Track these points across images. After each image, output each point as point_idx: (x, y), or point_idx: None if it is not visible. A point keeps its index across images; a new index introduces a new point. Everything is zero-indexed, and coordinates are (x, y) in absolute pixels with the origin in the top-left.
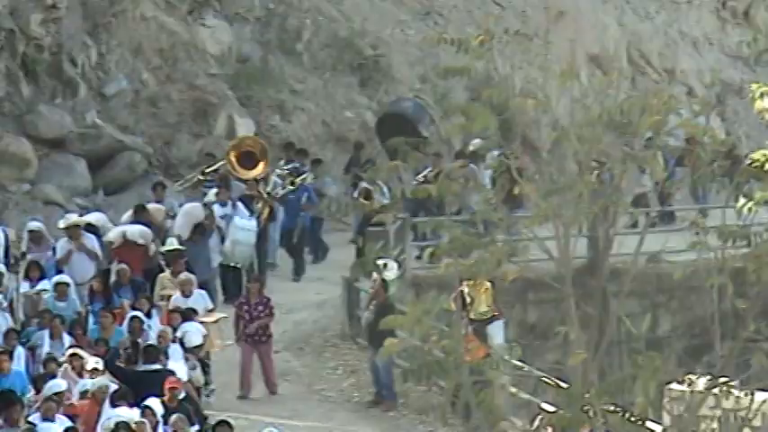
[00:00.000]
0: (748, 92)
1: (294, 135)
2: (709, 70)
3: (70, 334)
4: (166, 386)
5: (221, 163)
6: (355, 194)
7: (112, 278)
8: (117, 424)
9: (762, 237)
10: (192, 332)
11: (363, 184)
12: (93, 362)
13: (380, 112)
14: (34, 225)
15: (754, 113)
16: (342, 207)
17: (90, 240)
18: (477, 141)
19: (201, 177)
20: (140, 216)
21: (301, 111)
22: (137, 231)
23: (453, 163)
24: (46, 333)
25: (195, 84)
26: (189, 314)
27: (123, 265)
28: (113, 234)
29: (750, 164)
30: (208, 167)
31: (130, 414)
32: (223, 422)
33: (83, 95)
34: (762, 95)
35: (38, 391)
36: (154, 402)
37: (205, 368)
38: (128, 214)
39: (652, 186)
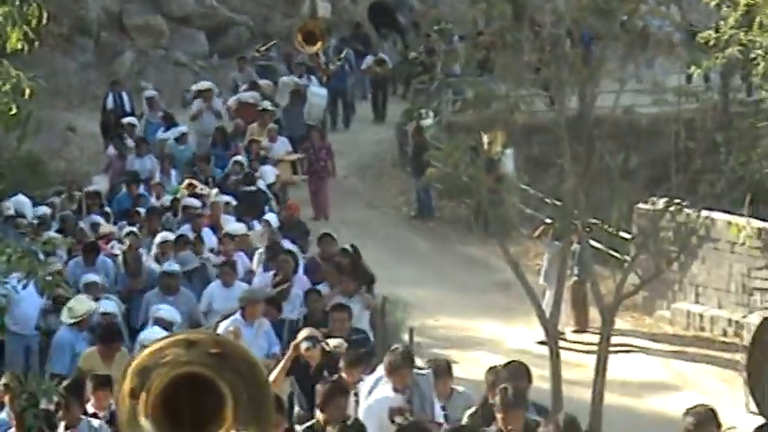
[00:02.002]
0: None
1: (360, 15)
2: None
3: (193, 172)
4: (289, 207)
5: (272, 43)
6: (367, 64)
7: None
8: (225, 234)
9: (706, 95)
10: (268, 171)
11: (380, 55)
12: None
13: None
14: (150, 93)
15: (704, 2)
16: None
17: (216, 103)
18: (444, 25)
19: (257, 54)
20: (253, 88)
21: None
22: (248, 95)
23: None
24: (158, 168)
25: None
26: (264, 158)
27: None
28: (231, 101)
29: (701, 40)
30: (262, 46)
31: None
32: (327, 234)
33: None
34: None
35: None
36: (271, 217)
37: (278, 199)
38: (243, 88)
39: None
